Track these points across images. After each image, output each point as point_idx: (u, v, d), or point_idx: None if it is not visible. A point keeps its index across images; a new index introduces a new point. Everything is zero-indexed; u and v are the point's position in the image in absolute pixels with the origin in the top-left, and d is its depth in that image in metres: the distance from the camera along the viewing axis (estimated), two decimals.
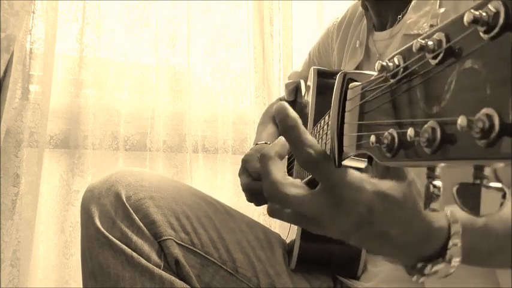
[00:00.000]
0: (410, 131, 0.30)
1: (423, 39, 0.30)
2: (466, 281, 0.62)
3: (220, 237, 0.79)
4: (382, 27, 0.91)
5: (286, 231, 0.95)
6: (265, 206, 1.57)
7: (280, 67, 1.95)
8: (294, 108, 1.40)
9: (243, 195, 0.97)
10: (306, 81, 1.15)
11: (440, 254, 0.46)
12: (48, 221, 1.53)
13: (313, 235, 0.49)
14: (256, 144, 1.09)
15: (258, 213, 1.77)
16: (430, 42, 0.29)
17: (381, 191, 0.43)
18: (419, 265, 0.46)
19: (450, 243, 0.45)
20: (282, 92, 1.92)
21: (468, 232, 0.47)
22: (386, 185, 0.44)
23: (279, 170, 0.47)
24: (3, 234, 1.41)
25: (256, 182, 0.91)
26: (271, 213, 0.48)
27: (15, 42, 1.42)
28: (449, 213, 0.46)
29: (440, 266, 0.46)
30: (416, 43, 0.30)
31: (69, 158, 1.56)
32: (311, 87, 0.82)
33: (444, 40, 0.28)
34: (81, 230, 0.79)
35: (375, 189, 0.43)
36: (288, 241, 0.87)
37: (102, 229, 0.74)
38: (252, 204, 0.97)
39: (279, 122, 0.45)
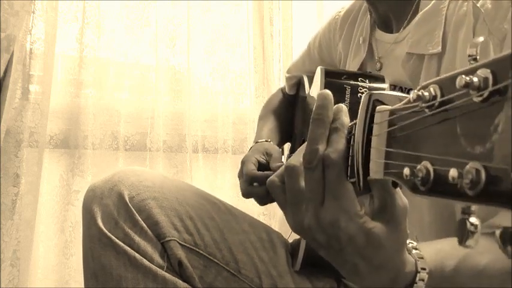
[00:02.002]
0: (453, 172, 0.28)
1: (467, 74, 0.28)
2: None
3: (223, 238, 0.79)
4: (385, 26, 0.90)
5: (288, 231, 0.95)
6: (266, 206, 1.57)
7: (280, 67, 1.95)
8: (295, 102, 1.39)
9: None
10: (308, 75, 1.15)
11: None
12: (48, 221, 1.53)
13: None
14: (257, 142, 1.08)
15: (258, 213, 1.77)
16: (475, 79, 0.27)
17: (367, 228, 0.43)
18: None
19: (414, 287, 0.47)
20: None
21: (435, 277, 0.49)
22: (375, 225, 0.44)
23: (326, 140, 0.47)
24: (3, 234, 1.40)
25: (252, 187, 0.91)
26: (291, 168, 0.48)
27: (15, 42, 1.41)
28: (418, 259, 0.48)
29: None
30: (460, 80, 0.28)
31: (69, 158, 1.56)
32: (318, 86, 0.81)
33: (491, 78, 0.26)
34: (83, 230, 0.78)
35: (362, 224, 0.43)
36: (290, 241, 0.87)
37: (104, 230, 0.74)
38: (253, 204, 0.97)
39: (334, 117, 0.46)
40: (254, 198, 0.93)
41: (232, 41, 1.88)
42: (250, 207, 1.51)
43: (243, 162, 0.96)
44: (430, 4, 0.78)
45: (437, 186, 0.31)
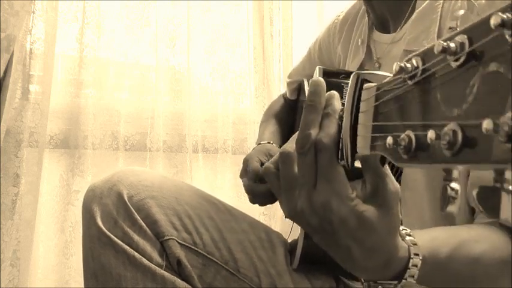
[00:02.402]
0: (430, 134, 0.29)
1: (445, 41, 0.29)
2: None
3: (222, 237, 0.79)
4: (382, 27, 0.91)
5: (288, 231, 0.95)
6: (266, 206, 1.57)
7: (280, 67, 1.95)
8: (296, 107, 1.40)
9: (243, 195, 0.97)
10: (308, 80, 1.15)
11: (395, 278, 0.48)
12: (48, 221, 1.53)
13: None
14: (259, 144, 1.09)
15: (259, 213, 1.78)
16: (452, 45, 0.28)
17: (358, 211, 0.44)
18: (372, 284, 0.50)
19: (407, 274, 0.48)
20: (282, 92, 1.92)
21: (429, 263, 0.49)
22: (366, 208, 0.44)
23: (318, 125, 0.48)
24: (3, 234, 1.40)
25: (257, 184, 0.91)
26: (286, 154, 0.49)
27: (15, 42, 1.42)
28: (412, 245, 0.48)
29: None
30: (438, 45, 0.29)
31: (69, 158, 1.56)
32: None
33: (467, 43, 0.28)
34: (82, 229, 0.79)
35: (354, 207, 0.44)
36: (289, 241, 0.87)
37: (104, 229, 0.74)
38: (253, 204, 0.97)
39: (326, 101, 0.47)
40: (256, 199, 0.94)
41: (232, 41, 1.88)
42: (251, 207, 1.50)
43: (246, 161, 0.96)
44: (425, 3, 0.79)
45: (419, 153, 0.31)
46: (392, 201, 0.45)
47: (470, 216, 0.67)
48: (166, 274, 0.74)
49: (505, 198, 0.26)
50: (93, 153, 1.57)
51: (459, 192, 0.31)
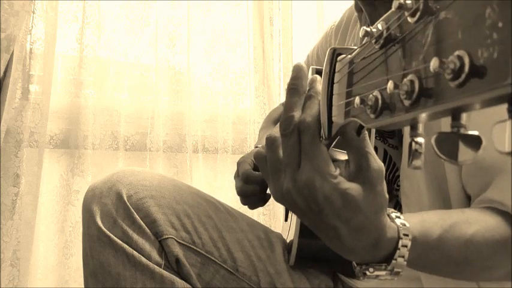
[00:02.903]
0: (390, 84, 0.31)
1: None
2: (392, 282, 0.63)
3: (221, 236, 0.79)
4: None
5: (286, 232, 0.95)
6: (266, 206, 1.57)
7: (280, 67, 1.95)
8: None
9: None
10: None
11: (385, 261, 0.48)
12: (48, 221, 1.53)
13: (312, 232, 0.50)
14: (256, 147, 1.09)
15: (258, 213, 1.78)
16: (408, 1, 0.29)
17: (341, 188, 0.44)
18: (363, 266, 0.48)
19: (396, 254, 0.47)
20: (282, 92, 1.93)
21: (419, 244, 0.49)
22: (350, 186, 0.45)
23: (301, 107, 0.49)
24: (3, 234, 1.41)
25: (247, 186, 0.92)
26: (272, 139, 0.50)
27: (15, 42, 1.42)
28: (401, 226, 0.48)
29: (382, 272, 0.48)
30: (395, 2, 0.30)
31: (69, 158, 1.56)
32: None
33: None
34: (82, 229, 0.79)
35: (337, 184, 0.45)
36: (288, 240, 0.87)
37: (103, 228, 0.74)
38: (244, 205, 0.98)
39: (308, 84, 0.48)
40: (247, 201, 0.94)
41: (232, 41, 1.88)
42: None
43: (239, 163, 0.97)
44: None
45: (384, 111, 0.32)
46: (376, 179, 0.45)
47: (467, 204, 0.67)
48: (165, 273, 0.74)
49: (462, 142, 0.27)
50: (93, 153, 1.58)
51: (423, 146, 0.32)
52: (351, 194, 0.44)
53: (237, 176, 0.97)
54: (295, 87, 0.48)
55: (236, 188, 0.95)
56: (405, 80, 0.29)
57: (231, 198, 1.71)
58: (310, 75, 0.82)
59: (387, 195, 0.47)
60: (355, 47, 0.42)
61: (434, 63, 0.26)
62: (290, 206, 0.49)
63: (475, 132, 0.28)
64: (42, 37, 1.50)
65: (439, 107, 0.27)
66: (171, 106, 1.75)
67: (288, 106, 0.47)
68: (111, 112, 1.64)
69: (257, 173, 0.93)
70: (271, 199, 1.02)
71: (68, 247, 1.52)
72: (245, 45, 1.90)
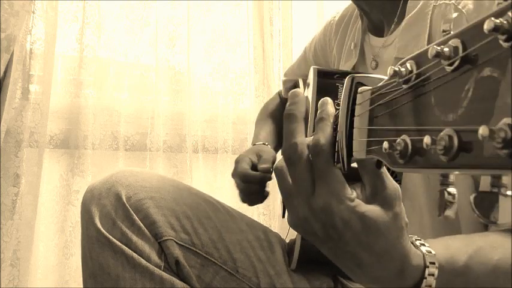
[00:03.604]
0: (426, 139, 0.29)
1: (438, 45, 0.29)
2: None
3: (221, 237, 0.79)
4: (376, 31, 0.91)
5: (286, 231, 0.95)
6: (266, 206, 1.57)
7: (280, 67, 1.95)
8: None
9: None
10: (303, 79, 1.15)
11: None
12: (48, 221, 1.53)
13: None
14: (254, 144, 1.09)
15: (258, 213, 1.78)
16: (446, 49, 0.28)
17: (360, 211, 0.43)
18: None
19: (423, 284, 0.46)
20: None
21: (446, 272, 0.47)
22: (368, 208, 0.44)
23: (302, 133, 0.47)
24: (3, 234, 1.41)
25: (244, 184, 0.93)
26: (279, 169, 0.48)
27: (15, 42, 1.42)
28: (427, 253, 0.46)
29: None
30: (431, 49, 0.29)
31: (69, 158, 1.56)
32: (311, 86, 0.82)
33: (461, 47, 0.27)
34: (81, 230, 0.79)
35: (355, 207, 0.43)
36: (287, 241, 0.87)
37: (102, 230, 0.74)
38: (243, 203, 0.98)
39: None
40: (246, 199, 0.95)
41: (232, 41, 1.88)
42: (250, 207, 1.50)
43: (237, 162, 0.98)
44: (416, 9, 0.79)
45: (415, 158, 0.31)
46: (393, 200, 0.44)
47: (483, 225, 0.66)
48: (165, 275, 0.74)
49: (503, 202, 0.26)
50: (93, 153, 1.58)
51: (456, 196, 0.31)
52: (369, 217, 0.43)
53: (234, 174, 0.98)
54: (293, 112, 0.47)
55: (236, 186, 0.96)
56: (442, 133, 0.27)
57: (230, 198, 1.71)
58: (312, 75, 0.82)
59: (407, 219, 0.46)
60: (376, 76, 0.41)
61: (483, 131, 0.24)
62: (308, 235, 0.47)
63: None
64: (42, 37, 1.50)
65: (481, 171, 0.26)
66: (171, 106, 1.75)
67: (288, 133, 0.46)
68: (111, 112, 1.63)
69: (254, 172, 0.94)
70: (270, 197, 1.03)
71: (68, 247, 1.52)
72: (245, 45, 1.90)
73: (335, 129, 0.45)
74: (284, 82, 1.29)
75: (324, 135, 0.44)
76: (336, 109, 0.46)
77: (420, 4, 0.78)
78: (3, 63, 1.39)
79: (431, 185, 0.67)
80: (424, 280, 0.46)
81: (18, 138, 1.45)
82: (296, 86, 1.23)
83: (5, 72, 1.41)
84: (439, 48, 0.29)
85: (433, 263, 0.46)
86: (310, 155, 0.45)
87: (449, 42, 0.28)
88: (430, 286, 0.46)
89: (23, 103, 1.47)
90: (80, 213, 0.81)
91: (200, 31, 1.81)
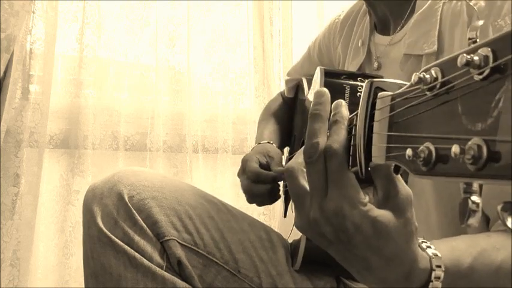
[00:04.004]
0: (455, 148, 0.29)
1: (468, 53, 0.29)
2: None
3: (223, 237, 0.79)
4: (383, 29, 0.90)
5: (288, 231, 0.95)
6: (266, 206, 1.57)
7: (280, 67, 1.95)
8: (294, 105, 1.40)
9: (243, 195, 0.97)
10: (307, 78, 1.15)
11: None
12: (48, 221, 1.53)
13: None
14: (259, 143, 1.08)
15: (258, 213, 1.78)
16: (476, 58, 0.28)
17: (372, 216, 0.43)
18: None
19: (430, 286, 0.46)
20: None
21: (451, 275, 0.48)
22: (380, 213, 0.44)
23: (325, 134, 0.47)
24: (3, 234, 1.40)
25: (256, 185, 0.91)
26: (290, 170, 0.49)
27: (15, 42, 1.41)
28: (433, 256, 0.47)
29: None
30: (461, 58, 0.29)
31: (69, 158, 1.56)
32: (317, 86, 0.82)
33: (491, 56, 0.27)
34: (83, 230, 0.79)
35: (367, 212, 0.43)
36: (289, 241, 0.87)
37: (104, 229, 0.74)
38: (250, 204, 0.97)
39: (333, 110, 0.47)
40: (255, 199, 0.94)
41: (232, 41, 1.88)
42: (251, 207, 1.50)
43: (245, 161, 0.96)
44: (425, 5, 0.79)
45: (439, 166, 0.31)
46: (405, 205, 0.44)
47: (485, 225, 0.66)
48: (167, 275, 0.74)
49: None
50: (93, 153, 1.57)
51: (480, 205, 0.31)
52: (381, 222, 0.43)
53: (241, 173, 0.96)
54: (318, 112, 0.46)
55: (242, 186, 0.95)
56: (471, 143, 0.27)
57: (231, 198, 1.71)
58: (318, 75, 0.82)
59: (417, 223, 0.46)
60: (395, 81, 0.41)
61: None
62: (317, 237, 0.48)
63: None
64: (42, 37, 1.50)
65: (509, 182, 0.25)
66: (171, 106, 1.75)
67: (311, 132, 0.46)
68: (111, 112, 1.63)
69: (266, 172, 0.92)
70: None
71: (68, 247, 1.52)
72: (245, 45, 1.90)
73: (349, 132, 0.45)
74: (287, 81, 1.28)
75: (338, 139, 0.44)
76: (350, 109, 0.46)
77: (429, 2, 0.79)
78: (3, 63, 1.39)
79: (438, 183, 0.67)
80: (431, 283, 0.46)
81: (18, 138, 1.45)
82: (299, 85, 1.22)
83: (5, 72, 1.41)
84: (468, 57, 0.28)
85: (439, 266, 0.46)
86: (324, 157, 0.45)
87: (479, 51, 0.28)
88: None
89: (23, 103, 1.47)
90: (80, 212, 0.81)
91: (200, 31, 1.81)
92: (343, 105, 0.47)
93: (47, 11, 1.51)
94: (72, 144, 1.56)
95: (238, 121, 1.86)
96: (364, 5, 0.96)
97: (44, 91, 1.49)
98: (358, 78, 0.79)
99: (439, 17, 0.76)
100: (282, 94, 1.33)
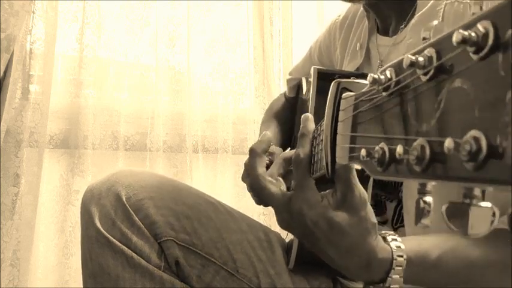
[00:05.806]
0: (399, 148, 0.30)
1: (414, 54, 0.29)
2: None
3: (221, 237, 0.79)
4: (385, 31, 0.90)
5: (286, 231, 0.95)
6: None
7: (280, 67, 1.95)
8: (295, 104, 1.40)
9: (243, 195, 0.98)
10: (307, 78, 1.15)
11: (383, 279, 0.53)
12: (48, 221, 1.53)
13: None
14: None
15: (258, 213, 1.77)
16: (420, 59, 0.28)
17: (327, 216, 0.51)
18: (364, 285, 0.54)
19: (391, 273, 0.52)
20: (282, 91, 1.92)
21: (416, 265, 0.54)
22: (335, 213, 0.51)
23: (262, 166, 0.60)
24: (3, 234, 1.41)
25: None
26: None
27: (15, 42, 1.42)
28: (395, 248, 0.53)
29: None
30: (406, 59, 0.29)
31: (69, 158, 1.56)
32: (311, 87, 0.82)
33: (435, 57, 0.27)
34: (81, 230, 0.79)
35: (323, 213, 0.51)
36: (287, 240, 0.87)
37: (102, 230, 0.74)
38: (252, 204, 0.96)
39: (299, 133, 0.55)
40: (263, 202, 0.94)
41: (232, 41, 1.88)
42: (251, 207, 1.51)
43: (246, 166, 0.96)
44: (427, 6, 0.78)
45: (390, 166, 0.32)
46: (359, 206, 0.50)
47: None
48: (165, 275, 0.74)
49: (473, 213, 0.26)
50: (93, 153, 1.57)
51: (432, 205, 0.31)
52: (336, 220, 0.51)
53: (246, 177, 0.96)
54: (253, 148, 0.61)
55: (249, 190, 0.95)
56: (415, 144, 0.28)
57: (231, 198, 1.71)
58: (312, 75, 0.82)
59: (374, 220, 0.52)
60: (361, 81, 0.42)
61: (449, 143, 0.24)
62: (293, 232, 0.59)
63: (488, 204, 0.26)
64: (42, 37, 1.50)
65: (452, 182, 0.25)
66: (171, 106, 1.75)
67: (248, 165, 0.60)
68: (111, 112, 1.63)
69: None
70: None
71: (68, 247, 1.52)
72: (245, 45, 1.90)
73: (312, 143, 0.52)
74: (288, 81, 1.29)
75: (303, 150, 0.53)
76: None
77: (431, 2, 0.78)
78: (3, 63, 1.39)
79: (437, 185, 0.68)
80: (392, 271, 0.52)
81: (18, 138, 1.45)
82: (299, 85, 1.23)
83: (5, 72, 1.41)
84: (413, 57, 0.29)
85: (401, 256, 0.52)
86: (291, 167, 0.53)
87: (425, 52, 0.28)
88: (398, 275, 0.52)
89: (23, 103, 1.47)
90: (79, 213, 0.81)
91: (200, 31, 1.81)
92: (309, 119, 0.55)
93: (47, 11, 1.51)
94: (72, 144, 1.56)
95: (238, 121, 1.86)
96: (361, 9, 0.96)
97: (44, 91, 1.49)
98: (351, 78, 0.79)
99: (441, 18, 0.75)
100: (284, 94, 1.34)
